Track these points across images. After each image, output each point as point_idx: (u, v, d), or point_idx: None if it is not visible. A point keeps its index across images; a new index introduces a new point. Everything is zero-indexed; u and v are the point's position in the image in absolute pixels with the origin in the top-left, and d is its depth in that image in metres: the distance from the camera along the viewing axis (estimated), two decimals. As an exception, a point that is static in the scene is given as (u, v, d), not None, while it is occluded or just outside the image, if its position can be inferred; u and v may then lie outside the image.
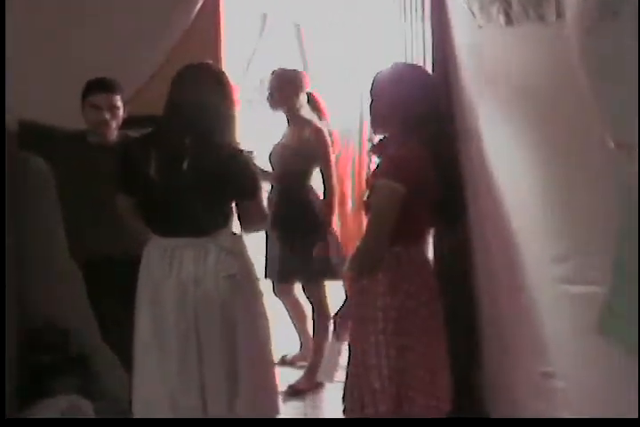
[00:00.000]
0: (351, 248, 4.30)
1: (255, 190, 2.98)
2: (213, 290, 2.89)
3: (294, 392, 4.20)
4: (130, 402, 3.31)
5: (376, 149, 2.83)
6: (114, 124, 3.47)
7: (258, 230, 3.25)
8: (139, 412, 3.06)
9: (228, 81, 2.97)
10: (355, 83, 4.60)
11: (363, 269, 2.69)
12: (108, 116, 3.43)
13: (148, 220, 2.98)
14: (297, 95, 4.22)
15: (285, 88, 4.20)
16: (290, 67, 4.48)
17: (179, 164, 2.83)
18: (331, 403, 4.07)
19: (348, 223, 4.62)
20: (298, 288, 4.50)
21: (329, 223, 4.19)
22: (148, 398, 2.99)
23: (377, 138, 2.92)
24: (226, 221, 2.98)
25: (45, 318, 3.93)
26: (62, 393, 3.82)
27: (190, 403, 2.89)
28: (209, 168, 2.84)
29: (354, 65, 4.68)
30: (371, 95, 2.79)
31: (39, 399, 3.77)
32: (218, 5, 4.18)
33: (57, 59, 3.74)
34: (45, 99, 3.64)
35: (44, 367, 3.88)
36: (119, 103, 3.45)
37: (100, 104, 3.42)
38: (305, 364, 4.50)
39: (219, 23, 4.17)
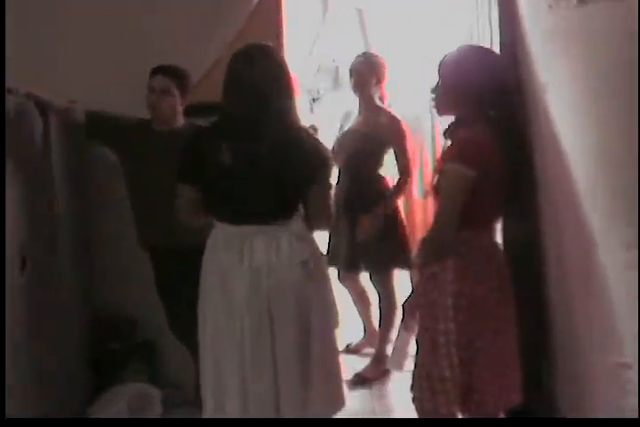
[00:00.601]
0: (418, 237, 4.32)
1: (328, 170, 2.93)
2: (287, 277, 2.85)
3: (360, 381, 4.19)
4: (196, 389, 3.34)
5: (447, 132, 2.76)
6: (165, 108, 3.48)
7: (324, 226, 3.16)
8: (207, 399, 3.04)
9: (286, 62, 2.92)
10: (419, 68, 4.52)
11: (432, 255, 2.65)
12: (157, 98, 3.45)
13: (215, 208, 2.94)
14: (377, 81, 4.19)
15: (369, 73, 4.16)
16: (353, 52, 4.44)
17: (250, 149, 2.79)
18: (397, 391, 4.07)
19: (414, 212, 4.57)
20: (362, 275, 4.48)
21: (392, 199, 4.14)
22: (218, 385, 2.97)
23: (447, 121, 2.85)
24: (296, 207, 2.92)
25: (113, 307, 3.99)
26: (130, 381, 3.89)
27: (263, 389, 2.87)
28: (281, 151, 2.80)
29: (417, 49, 4.60)
30: (438, 77, 2.74)
31: (108, 387, 3.84)
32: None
33: (124, 47, 3.75)
34: (112, 88, 3.66)
35: (112, 356, 3.95)
36: (173, 88, 3.46)
37: (153, 86, 3.47)
38: (369, 351, 4.48)
39: (280, 9, 4.13)
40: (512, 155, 2.67)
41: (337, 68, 6.42)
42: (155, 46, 3.73)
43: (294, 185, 2.88)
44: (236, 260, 2.86)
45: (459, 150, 2.64)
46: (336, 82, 6.86)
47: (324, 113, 5.57)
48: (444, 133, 2.75)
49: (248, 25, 3.95)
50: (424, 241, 2.68)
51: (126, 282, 3.99)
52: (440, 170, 2.66)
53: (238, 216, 2.88)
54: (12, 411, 3.02)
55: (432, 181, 2.77)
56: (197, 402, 3.31)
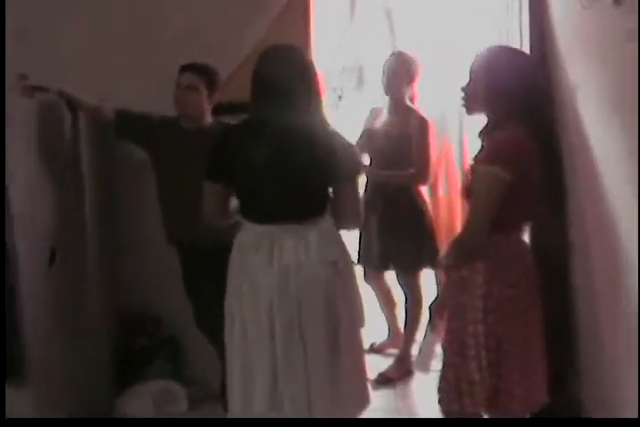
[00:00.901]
0: (442, 235, 4.32)
1: (357, 170, 2.93)
2: (315, 276, 2.84)
3: (384, 380, 4.18)
4: (221, 387, 3.35)
5: (482, 133, 2.75)
6: (191, 105, 3.49)
7: (353, 225, 3.16)
8: (234, 398, 3.01)
9: (313, 63, 2.92)
10: (446, 68, 4.50)
11: (462, 258, 2.64)
12: (183, 94, 3.46)
13: (243, 207, 2.95)
14: (409, 81, 4.17)
15: (401, 72, 4.14)
16: (378, 52, 4.43)
17: (279, 148, 2.79)
18: (420, 391, 4.06)
19: (439, 210, 4.56)
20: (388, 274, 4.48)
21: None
22: (246, 384, 2.95)
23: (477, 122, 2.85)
24: (324, 206, 2.92)
25: (139, 304, 4.01)
26: (155, 378, 3.90)
27: (296, 388, 2.86)
28: (310, 149, 2.79)
29: (445, 49, 4.58)
30: (469, 76, 2.73)
31: (133, 383, 3.86)
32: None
33: (154, 45, 3.78)
34: (141, 86, 3.69)
35: (137, 352, 3.97)
36: (200, 85, 3.47)
37: (181, 83, 3.48)
38: (393, 351, 4.48)
39: (308, 8, 4.13)
40: (545, 156, 2.65)
41: (361, 67, 6.42)
42: (184, 45, 3.76)
43: (323, 184, 2.89)
44: (265, 259, 2.85)
45: (493, 152, 2.62)
46: (360, 81, 6.86)
47: (347, 111, 5.56)
48: (479, 134, 2.74)
49: (276, 24, 3.95)
50: (454, 244, 2.67)
51: (153, 280, 4.00)
52: (473, 171, 2.65)
53: (267, 215, 2.88)
54: (38, 407, 3.07)
55: (465, 182, 2.76)
56: (222, 399, 3.35)
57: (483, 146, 2.72)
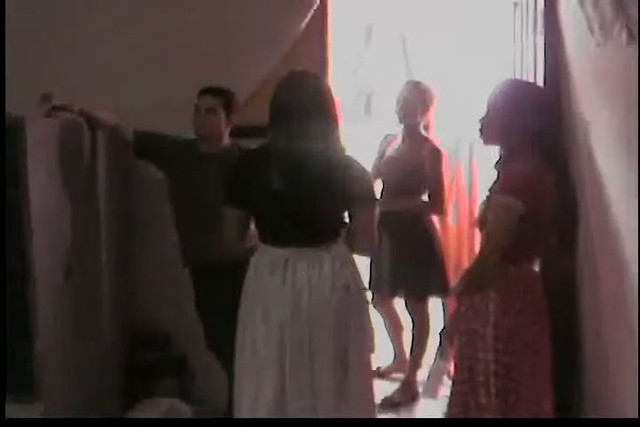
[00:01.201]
0: (450, 264, 4.37)
1: (373, 196, 2.98)
2: (327, 300, 2.88)
3: (389, 405, 4.20)
4: (228, 407, 3.37)
5: (497, 164, 2.81)
6: (210, 127, 3.54)
7: (367, 251, 3.20)
8: (241, 417, 3.05)
9: (330, 89, 2.98)
10: (462, 96, 4.56)
11: (474, 287, 2.69)
12: (203, 117, 3.52)
13: (260, 230, 2.99)
14: (425, 111, 4.24)
15: (416, 101, 4.20)
16: (396, 79, 4.49)
17: (296, 173, 2.84)
18: (424, 416, 4.08)
19: (448, 239, 4.59)
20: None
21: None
22: (253, 404, 2.98)
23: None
24: (339, 231, 2.97)
25: (148, 321, 4.05)
26: (162, 395, 3.93)
27: (301, 409, 2.89)
28: (326, 176, 2.84)
29: (458, 78, 4.64)
30: (486, 109, 2.79)
31: (140, 399, 3.89)
32: (325, 17, 4.21)
33: (172, 68, 3.85)
34: (159, 108, 3.75)
35: (145, 369, 4.00)
36: (219, 108, 3.52)
37: (200, 106, 3.53)
38: (398, 376, 4.50)
39: (326, 35, 4.20)
40: (560, 187, 2.70)
41: (370, 93, 6.46)
42: (202, 68, 3.82)
43: (338, 210, 2.94)
44: (278, 282, 2.90)
45: (508, 183, 2.67)
46: (367, 107, 6.88)
47: (354, 137, 5.61)
48: (495, 165, 2.79)
49: (294, 49, 4.02)
50: (467, 272, 2.72)
51: (162, 298, 4.05)
52: (488, 202, 2.70)
53: (282, 238, 2.92)
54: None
55: (480, 212, 2.81)
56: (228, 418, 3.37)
57: (498, 177, 2.77)
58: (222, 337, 3.35)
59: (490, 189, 2.77)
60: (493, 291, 2.68)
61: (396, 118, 4.27)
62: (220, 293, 3.42)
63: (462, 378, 2.75)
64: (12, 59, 3.75)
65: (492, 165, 2.88)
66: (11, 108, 3.19)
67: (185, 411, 3.87)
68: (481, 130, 2.78)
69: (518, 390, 2.70)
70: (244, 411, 3.04)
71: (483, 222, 2.73)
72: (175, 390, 4.01)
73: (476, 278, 2.68)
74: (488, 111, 2.76)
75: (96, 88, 3.82)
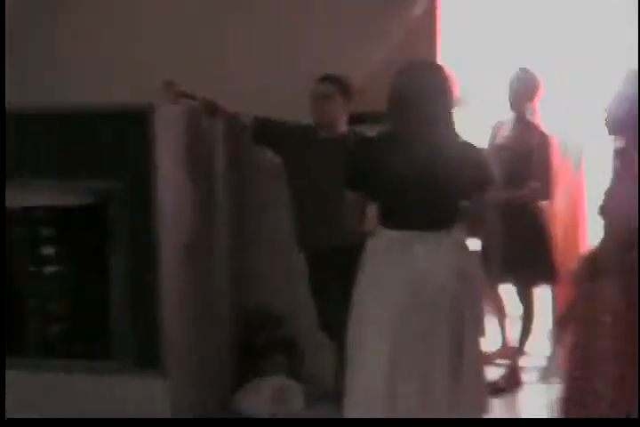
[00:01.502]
0: (560, 253, 4.35)
1: (491, 179, 3.04)
2: (445, 284, 2.92)
3: (494, 391, 4.20)
4: (336, 386, 3.47)
5: (617, 152, 2.81)
6: (328, 114, 3.62)
7: (479, 233, 3.25)
8: (351, 397, 3.10)
9: (449, 77, 3.03)
10: (581, 90, 4.57)
11: (594, 272, 2.69)
12: (320, 104, 3.60)
13: (382, 213, 3.04)
14: (532, 98, 4.26)
15: (525, 89, 4.23)
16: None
17: (418, 158, 2.90)
18: (529, 403, 4.10)
19: (556, 226, 4.58)
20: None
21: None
22: (366, 385, 3.02)
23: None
24: (457, 215, 3.01)
25: (262, 303, 4.17)
26: (273, 374, 4.04)
27: (416, 392, 2.94)
28: (446, 160, 2.89)
29: (583, 70, 4.62)
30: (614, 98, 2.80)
31: (251, 378, 4.01)
32: (435, 7, 4.24)
33: (292, 56, 3.95)
34: (278, 94, 3.85)
35: (257, 349, 4.11)
36: (336, 95, 3.60)
37: (317, 93, 3.62)
38: (503, 362, 4.51)
39: (435, 23, 4.23)
40: None
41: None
42: (320, 55, 3.90)
43: (457, 194, 2.98)
44: (396, 264, 2.95)
45: (629, 172, 2.67)
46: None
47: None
48: (615, 154, 2.79)
49: (406, 38, 4.06)
50: (587, 259, 2.72)
51: (275, 279, 4.15)
52: (609, 190, 2.70)
53: (402, 222, 2.97)
54: (174, 397, 3.27)
55: (603, 200, 2.81)
56: (337, 398, 3.45)
57: (619, 165, 2.77)
58: (335, 319, 3.43)
59: (612, 178, 2.77)
60: (613, 278, 2.68)
61: (490, 107, 4.31)
62: (334, 276, 3.51)
63: (578, 365, 2.76)
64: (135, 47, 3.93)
65: (602, 152, 2.87)
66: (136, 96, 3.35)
67: (296, 389, 3.97)
68: (606, 119, 2.78)
69: (635, 378, 2.69)
70: (354, 391, 3.09)
71: (605, 210, 2.73)
72: (285, 369, 4.10)
73: (596, 265, 2.69)
74: (615, 101, 2.76)
75: (212, 77, 3.91)
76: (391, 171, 2.91)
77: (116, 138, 3.23)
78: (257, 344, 4.13)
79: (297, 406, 3.94)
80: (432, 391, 2.95)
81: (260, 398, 3.90)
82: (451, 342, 2.95)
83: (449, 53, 4.53)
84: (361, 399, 3.09)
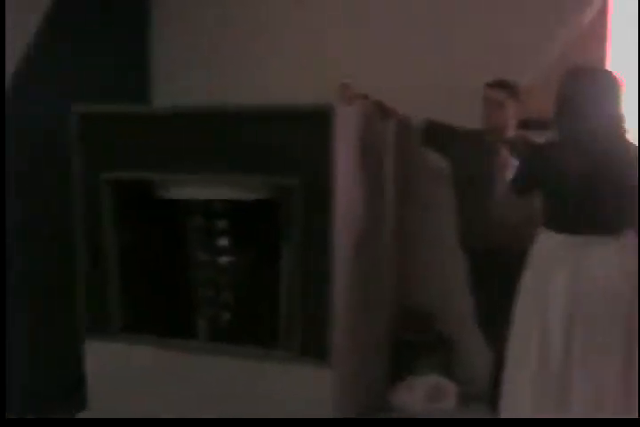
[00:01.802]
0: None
1: None
2: (617, 289, 2.92)
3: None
4: (490, 387, 3.54)
5: None
6: (498, 120, 3.66)
7: None
8: (509, 398, 3.14)
9: (620, 83, 3.02)
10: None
11: None
12: (491, 110, 3.65)
13: (550, 217, 3.07)
14: None
15: None
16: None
17: (591, 161, 2.92)
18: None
19: None
20: None
21: None
22: (525, 386, 3.05)
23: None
24: (626, 220, 3.00)
25: (419, 302, 4.24)
26: (426, 373, 4.10)
27: (591, 392, 2.95)
28: (620, 162, 2.93)
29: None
30: None
31: (405, 376, 4.09)
32: (606, 13, 4.18)
33: (452, 63, 4.03)
34: (448, 99, 3.91)
35: (412, 348, 4.18)
36: (507, 101, 3.64)
37: (489, 99, 3.67)
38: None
39: (606, 32, 4.18)
40: None
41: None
42: (490, 61, 3.94)
43: (626, 198, 2.98)
44: (564, 268, 2.96)
45: None
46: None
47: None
48: None
49: (574, 42, 4.04)
50: None
51: (430, 279, 4.23)
52: None
53: (572, 226, 2.99)
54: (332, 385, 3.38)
55: None
56: (491, 399, 3.49)
57: None
58: (492, 317, 3.53)
59: None
60: None
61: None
62: (495, 272, 3.57)
63: None
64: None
65: None
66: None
67: (450, 388, 4.02)
68: None
69: None
70: (513, 393, 3.11)
71: None
72: (440, 368, 4.15)
73: None
74: None
75: (387, 80, 4.02)
76: (566, 176, 2.94)
77: (298, 137, 3.35)
78: (412, 343, 4.19)
79: (449, 405, 3.98)
80: (605, 392, 2.95)
81: (414, 395, 3.97)
82: (616, 344, 2.94)
83: (619, 58, 4.46)
84: (511, 405, 3.12)
